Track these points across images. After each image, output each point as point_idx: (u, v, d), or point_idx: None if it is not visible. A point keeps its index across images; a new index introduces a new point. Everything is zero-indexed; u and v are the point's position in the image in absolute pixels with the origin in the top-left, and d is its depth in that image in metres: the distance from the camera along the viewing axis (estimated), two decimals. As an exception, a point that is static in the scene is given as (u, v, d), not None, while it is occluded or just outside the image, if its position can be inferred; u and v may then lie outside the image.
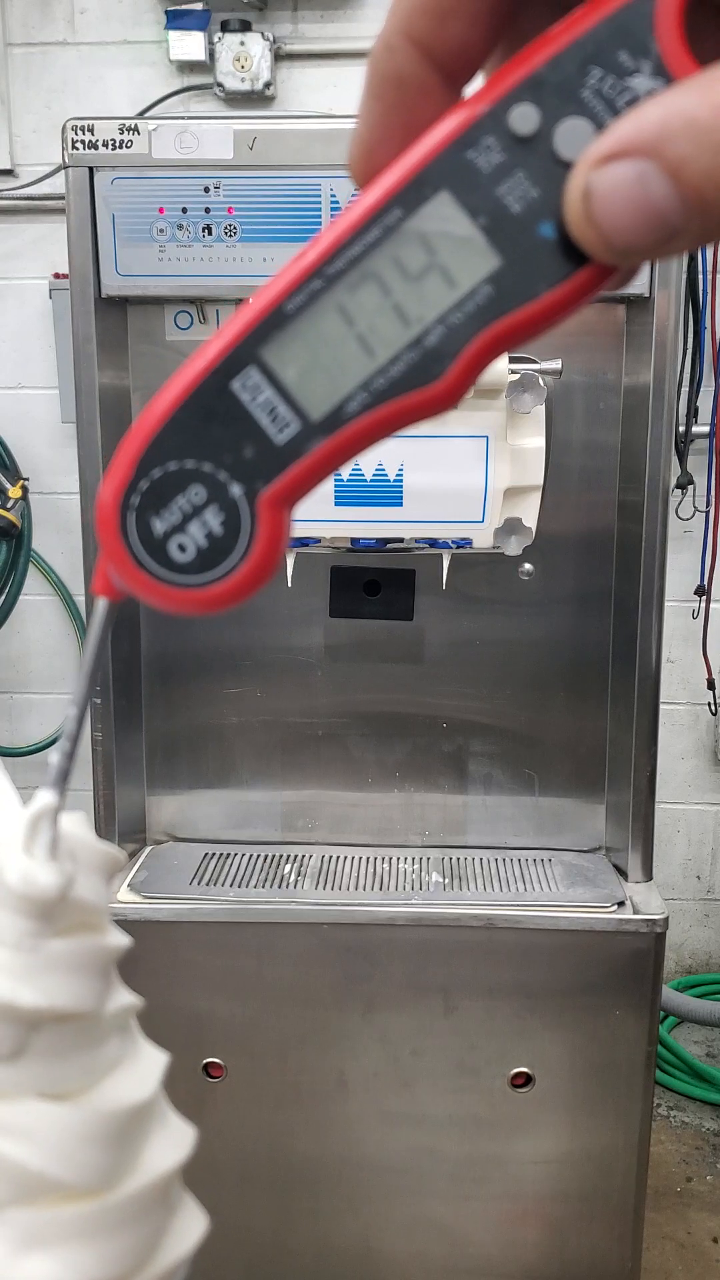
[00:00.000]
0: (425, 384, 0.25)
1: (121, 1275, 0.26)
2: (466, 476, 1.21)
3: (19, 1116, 0.25)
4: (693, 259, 2.14)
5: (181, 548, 0.26)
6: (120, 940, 0.28)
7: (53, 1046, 0.26)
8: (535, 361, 1.23)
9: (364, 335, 0.25)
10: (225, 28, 2.11)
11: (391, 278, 0.25)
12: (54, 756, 0.28)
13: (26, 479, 2.31)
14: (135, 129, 1.18)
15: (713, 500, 2.26)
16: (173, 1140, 0.28)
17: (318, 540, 1.25)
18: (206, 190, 1.19)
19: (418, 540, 1.24)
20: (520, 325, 0.25)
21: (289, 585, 1.27)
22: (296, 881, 1.32)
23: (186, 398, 0.26)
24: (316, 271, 0.25)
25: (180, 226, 1.20)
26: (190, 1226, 0.28)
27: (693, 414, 2.22)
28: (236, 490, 0.26)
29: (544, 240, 0.24)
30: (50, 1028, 0.26)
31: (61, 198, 1.23)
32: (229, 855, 1.38)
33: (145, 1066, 0.28)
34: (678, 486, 2.21)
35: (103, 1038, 0.27)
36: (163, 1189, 0.27)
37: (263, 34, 2.11)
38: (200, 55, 2.12)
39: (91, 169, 1.19)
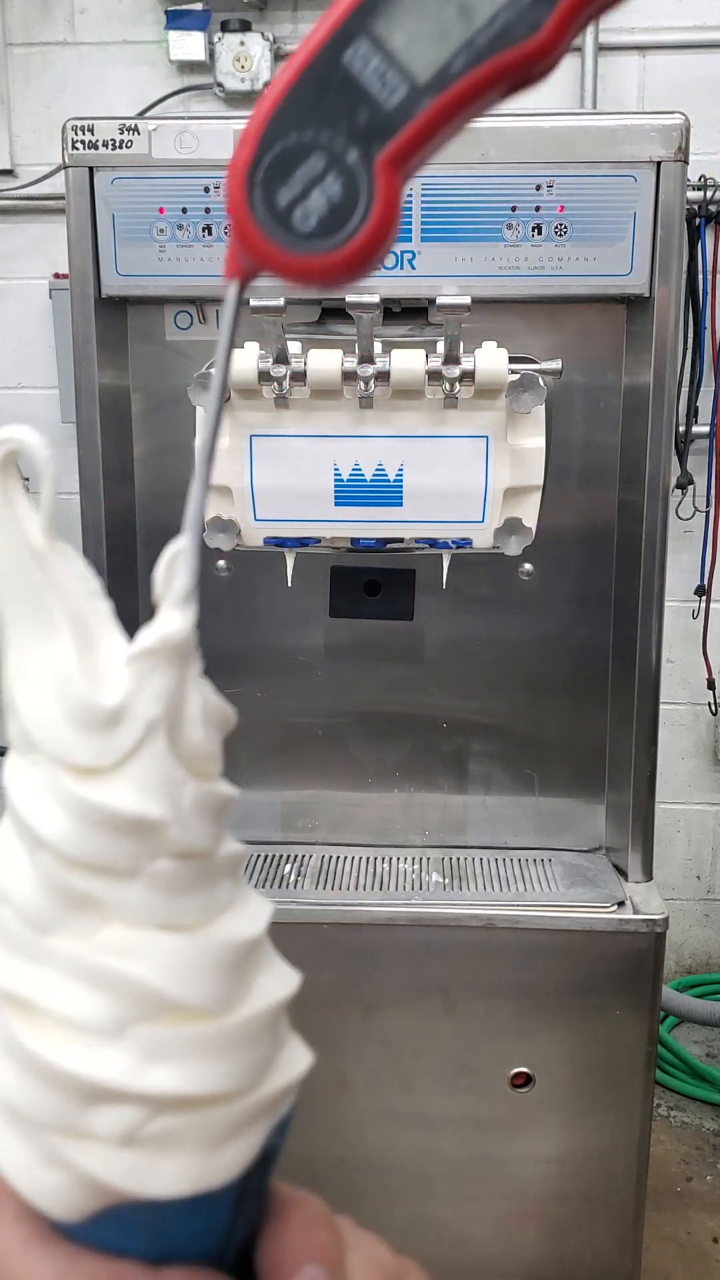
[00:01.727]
0: (524, 38, 0.26)
1: (238, 1090, 0.28)
2: (466, 476, 1.21)
3: (142, 943, 0.27)
4: (693, 259, 2.14)
5: (305, 216, 0.27)
6: (232, 791, 0.29)
7: (171, 881, 0.27)
8: (535, 361, 1.23)
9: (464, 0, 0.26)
10: (225, 28, 2.12)
11: None
12: (190, 504, 0.28)
13: (26, 479, 2.31)
14: (135, 129, 1.18)
15: (713, 500, 2.26)
16: (281, 978, 0.30)
17: (318, 540, 1.25)
18: (206, 190, 1.19)
19: (418, 540, 1.24)
20: None
21: (289, 585, 1.27)
22: (296, 881, 1.32)
23: (302, 73, 0.27)
24: None
25: (180, 226, 1.20)
26: (298, 1058, 0.30)
27: (693, 414, 2.22)
28: (353, 155, 0.27)
29: None
30: (168, 863, 0.27)
31: (61, 198, 1.23)
32: (229, 855, 1.38)
33: (255, 909, 0.30)
34: (678, 486, 2.22)
35: (216, 879, 0.29)
36: (273, 1018, 0.29)
37: (263, 34, 2.11)
38: (200, 55, 2.12)
39: (91, 169, 1.19)
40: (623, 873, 1.34)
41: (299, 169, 0.27)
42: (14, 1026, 0.27)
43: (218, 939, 0.28)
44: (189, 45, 2.10)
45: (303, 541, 1.25)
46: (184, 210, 1.19)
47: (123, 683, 0.27)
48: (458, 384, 1.17)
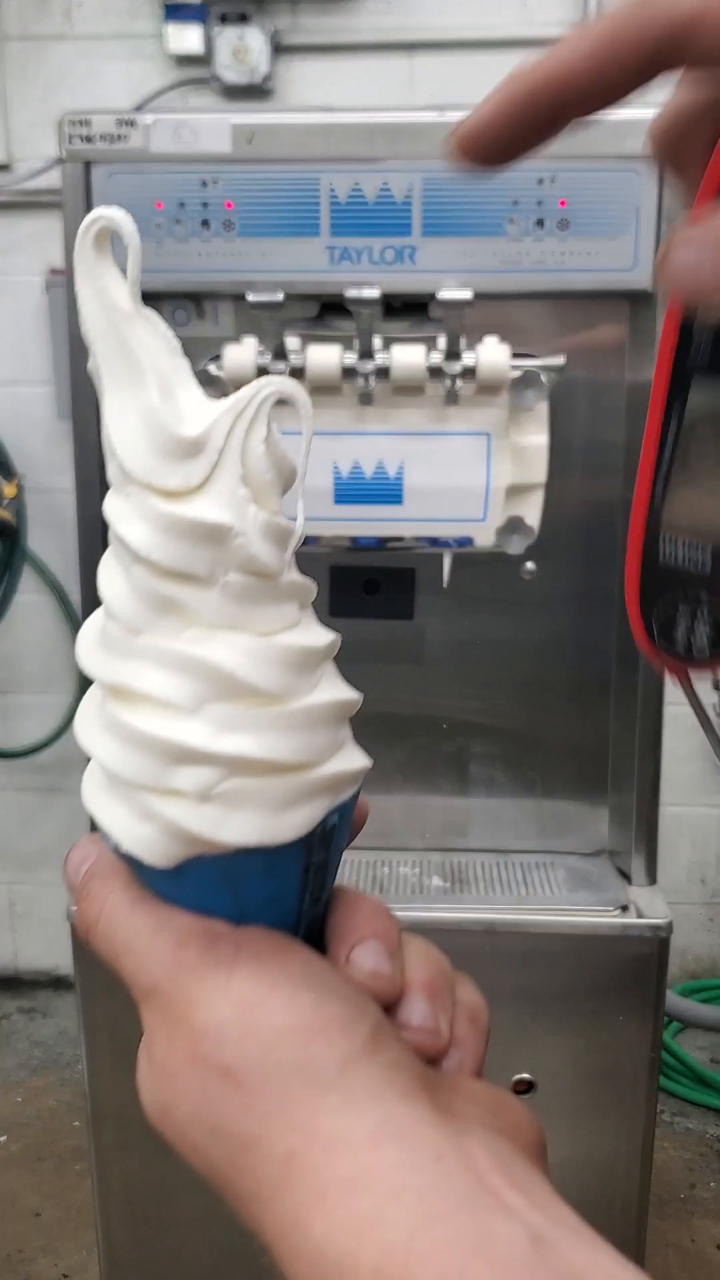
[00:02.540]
0: None
1: (298, 763, 0.33)
2: (468, 474, 1.19)
3: (218, 637, 0.32)
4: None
5: (696, 643, 0.37)
6: (293, 525, 0.35)
7: (243, 592, 0.33)
8: (538, 357, 1.21)
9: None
10: (223, 20, 2.10)
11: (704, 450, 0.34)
12: None
13: (22, 476, 2.29)
14: (132, 123, 1.17)
15: (715, 498, 2.25)
16: (344, 689, 0.36)
17: (317, 539, 1.23)
18: (204, 184, 1.17)
19: (418, 539, 1.23)
20: None
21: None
22: (295, 885, 1.31)
23: (642, 572, 0.37)
24: (656, 465, 0.34)
25: (178, 221, 1.18)
26: (359, 757, 0.36)
27: (695, 411, 2.20)
28: (710, 598, 0.36)
29: None
30: (239, 576, 0.32)
31: (58, 192, 1.21)
32: (227, 859, 1.36)
33: (321, 631, 0.36)
34: (680, 485, 2.20)
35: (283, 599, 0.34)
36: (333, 713, 0.35)
37: (261, 27, 2.09)
38: (198, 48, 2.10)
39: (88, 163, 1.18)
40: (626, 876, 1.32)
41: (680, 618, 0.36)
42: (114, 709, 0.33)
43: (285, 641, 0.33)
44: (186, 38, 2.09)
45: (302, 540, 1.23)
46: (181, 204, 1.17)
47: (202, 419, 0.33)
48: (459, 380, 1.15)
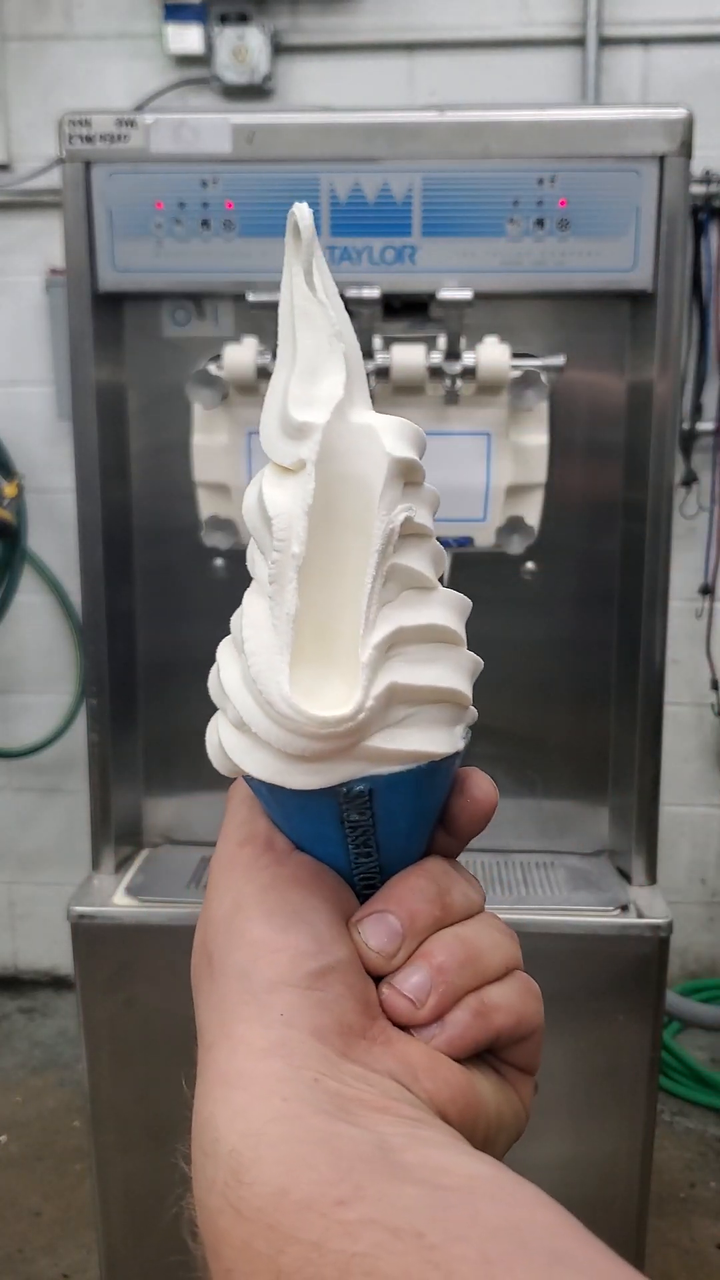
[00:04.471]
0: None
1: (304, 731, 0.34)
2: (468, 474, 1.19)
3: (259, 599, 0.35)
4: (697, 255, 2.12)
5: None
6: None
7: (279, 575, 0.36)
8: (538, 357, 1.21)
9: None
10: (223, 20, 2.10)
11: None
12: None
13: (22, 476, 2.29)
14: (132, 123, 1.16)
15: (717, 498, 2.24)
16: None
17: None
18: (204, 184, 1.17)
19: (419, 539, 1.22)
20: None
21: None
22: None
23: None
24: None
25: (178, 221, 1.18)
26: (408, 739, 0.36)
27: (697, 411, 2.20)
28: None
29: None
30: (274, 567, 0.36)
31: (58, 192, 1.21)
32: (227, 858, 1.36)
33: None
34: (682, 484, 2.20)
35: None
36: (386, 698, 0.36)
37: (261, 27, 2.09)
38: (198, 48, 2.10)
39: (88, 163, 1.17)
40: (626, 876, 1.32)
41: None
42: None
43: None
44: (186, 38, 2.08)
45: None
46: (181, 204, 1.17)
47: (320, 412, 0.34)
48: (459, 380, 1.15)
